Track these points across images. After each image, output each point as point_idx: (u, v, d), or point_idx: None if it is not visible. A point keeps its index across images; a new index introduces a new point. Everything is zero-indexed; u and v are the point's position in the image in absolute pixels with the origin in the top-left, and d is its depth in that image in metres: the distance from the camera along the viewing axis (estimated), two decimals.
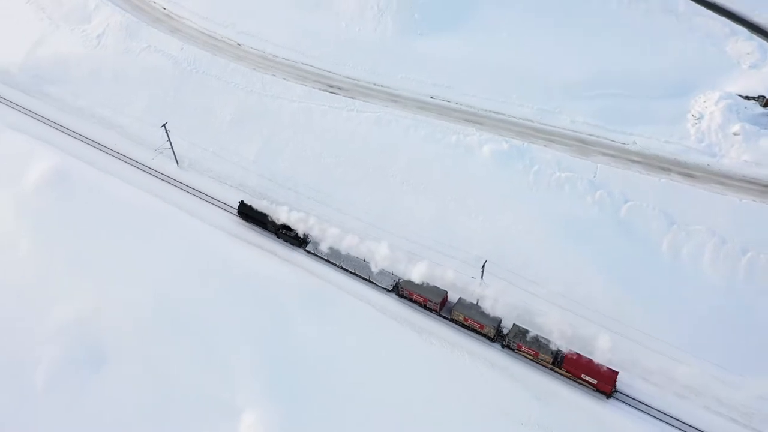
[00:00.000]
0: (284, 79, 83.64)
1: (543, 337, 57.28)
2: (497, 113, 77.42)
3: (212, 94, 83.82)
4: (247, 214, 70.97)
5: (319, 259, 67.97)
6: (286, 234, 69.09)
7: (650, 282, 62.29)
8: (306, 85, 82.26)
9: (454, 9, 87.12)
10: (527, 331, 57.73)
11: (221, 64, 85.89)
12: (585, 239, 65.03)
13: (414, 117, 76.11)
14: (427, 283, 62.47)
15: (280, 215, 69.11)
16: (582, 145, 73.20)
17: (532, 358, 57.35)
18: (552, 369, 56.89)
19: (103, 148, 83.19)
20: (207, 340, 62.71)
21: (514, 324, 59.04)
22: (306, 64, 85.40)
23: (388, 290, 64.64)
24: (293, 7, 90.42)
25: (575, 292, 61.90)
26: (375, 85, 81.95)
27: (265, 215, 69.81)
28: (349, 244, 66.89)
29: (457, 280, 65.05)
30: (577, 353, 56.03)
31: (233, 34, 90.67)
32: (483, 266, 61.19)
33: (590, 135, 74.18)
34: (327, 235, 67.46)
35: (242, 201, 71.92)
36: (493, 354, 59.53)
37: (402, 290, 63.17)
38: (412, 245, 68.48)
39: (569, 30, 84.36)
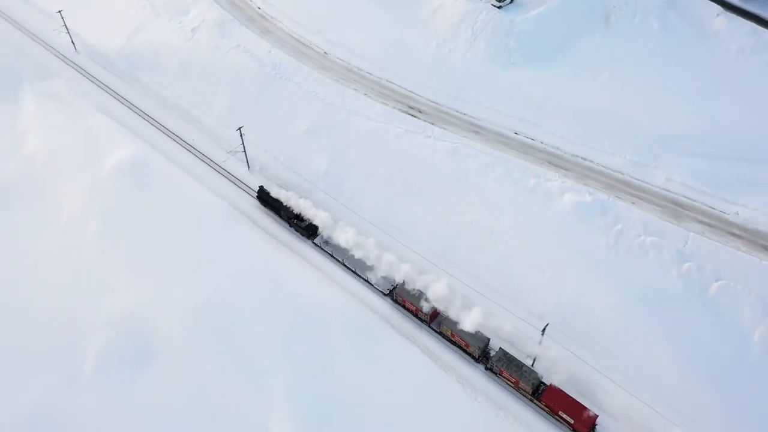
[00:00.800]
0: (365, 95, 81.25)
1: (528, 367, 56.03)
2: (584, 159, 71.58)
3: (292, 102, 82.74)
4: (264, 199, 72.90)
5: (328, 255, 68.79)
6: (297, 224, 70.14)
7: (734, 376, 55.14)
8: (386, 104, 79.52)
9: (553, 40, 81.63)
10: (513, 359, 56.50)
11: (305, 72, 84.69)
12: (664, 316, 58.55)
13: (493, 153, 71.65)
14: (419, 291, 61.66)
15: (348, 234, 66.94)
16: (675, 207, 66.21)
17: (512, 385, 56.21)
18: (531, 400, 55.53)
19: (180, 141, 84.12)
20: (247, 353, 61.52)
21: (500, 348, 57.85)
22: (390, 82, 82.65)
23: (384, 294, 64.53)
24: (387, 20, 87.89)
25: (645, 374, 55.74)
26: (457, 112, 78.04)
27: (280, 202, 71.53)
28: (404, 275, 63.73)
29: (513, 336, 60.63)
30: (560, 388, 53.86)
31: (322, 41, 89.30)
32: (544, 329, 56.26)
33: (686, 198, 66.98)
34: (383, 262, 64.57)
35: (261, 186, 73.68)
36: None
37: (396, 296, 62.83)
38: (470, 288, 64.35)
39: (678, 77, 76.88)
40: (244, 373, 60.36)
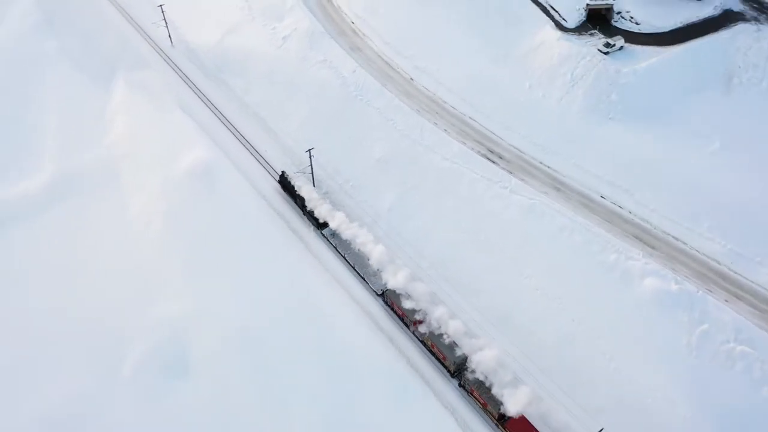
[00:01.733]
0: (445, 130, 76.83)
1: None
2: (676, 239, 63.72)
3: (368, 127, 79.73)
4: (284, 185, 75.22)
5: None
6: (309, 213, 72.00)
7: None
8: (465, 144, 74.74)
9: (661, 98, 73.55)
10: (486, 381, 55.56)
11: (387, 97, 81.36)
12: None
13: (573, 216, 65.23)
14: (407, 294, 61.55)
15: (399, 277, 63.20)
16: None
17: (481, 406, 56.02)
18: (497, 425, 54.88)
19: (253, 151, 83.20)
20: (278, 391, 59.31)
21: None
22: (472, 119, 77.71)
23: (378, 294, 64.87)
24: (481, 52, 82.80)
25: None
26: (541, 163, 71.98)
27: (294, 189, 73.50)
28: (453, 331, 59.18)
29: (563, 427, 54.43)
30: (529, 421, 52.17)
31: (409, 66, 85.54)
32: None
33: None
34: (431, 317, 60.23)
35: (284, 171, 75.63)
36: None
37: (387, 299, 63.41)
38: (522, 364, 58.73)
39: None
40: (272, 412, 58.16)
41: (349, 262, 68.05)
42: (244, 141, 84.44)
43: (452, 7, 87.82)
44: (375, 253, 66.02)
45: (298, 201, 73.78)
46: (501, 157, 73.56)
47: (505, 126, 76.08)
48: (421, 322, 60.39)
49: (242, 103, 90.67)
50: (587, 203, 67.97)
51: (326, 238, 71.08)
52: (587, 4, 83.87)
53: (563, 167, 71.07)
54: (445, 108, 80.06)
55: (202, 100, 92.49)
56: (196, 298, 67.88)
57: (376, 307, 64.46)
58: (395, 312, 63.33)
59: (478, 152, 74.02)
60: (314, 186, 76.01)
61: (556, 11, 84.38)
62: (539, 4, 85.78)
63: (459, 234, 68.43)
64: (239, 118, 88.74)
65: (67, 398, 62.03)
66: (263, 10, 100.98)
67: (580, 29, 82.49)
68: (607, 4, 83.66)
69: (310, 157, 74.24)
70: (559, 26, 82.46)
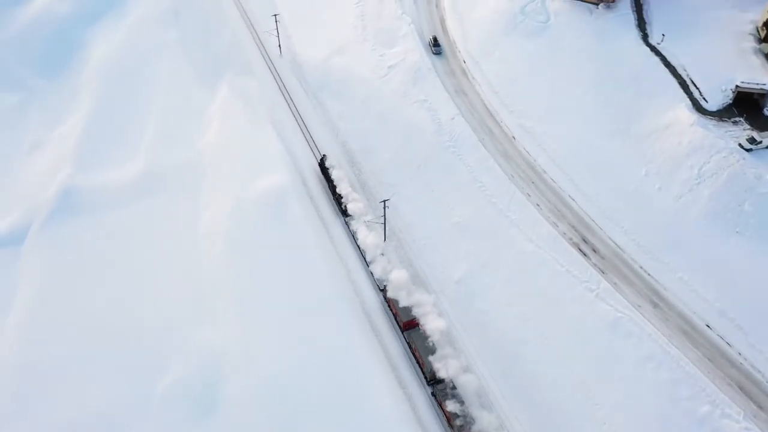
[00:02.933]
0: (537, 205, 68.30)
1: (469, 416, 52.90)
2: None
3: (453, 184, 72.97)
4: (323, 167, 77.23)
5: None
6: (338, 199, 72.91)
7: None
8: (556, 226, 65.90)
9: None
10: (458, 399, 53.97)
11: (481, 155, 74.06)
12: None
13: (666, 346, 54.97)
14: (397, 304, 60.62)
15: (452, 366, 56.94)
16: None
17: (447, 420, 54.24)
18: None
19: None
20: None
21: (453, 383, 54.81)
22: (571, 198, 68.44)
23: (380, 289, 64.67)
24: (599, 122, 73.03)
25: None
26: (641, 268, 61.70)
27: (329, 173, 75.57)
28: None
29: None
30: None
31: (514, 123, 77.29)
32: None
33: None
34: (475, 425, 52.73)
35: (324, 156, 77.86)
36: None
37: (387, 300, 62.93)
38: None
39: None
40: None
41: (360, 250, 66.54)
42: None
43: (581, 66, 78.14)
44: (434, 326, 59.51)
45: (330, 185, 74.98)
46: (595, 251, 63.90)
47: (606, 214, 66.14)
48: (409, 325, 60.09)
49: (333, 128, 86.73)
50: (688, 331, 57.08)
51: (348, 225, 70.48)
52: (737, 85, 71.21)
53: (667, 279, 60.30)
54: (543, 179, 71.22)
55: (296, 119, 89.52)
56: (241, 331, 65.27)
57: (422, 401, 57.54)
58: (391, 310, 62.32)
59: (570, 239, 64.82)
60: (385, 240, 70.45)
61: (697, 87, 72.57)
62: (678, 76, 74.11)
63: (527, 331, 60.21)
64: (327, 144, 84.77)
65: (99, 407, 61.56)
66: (376, 32, 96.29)
67: (722, 114, 70.28)
68: (763, 88, 70.58)
69: (384, 207, 68.60)
70: (697, 106, 70.68)
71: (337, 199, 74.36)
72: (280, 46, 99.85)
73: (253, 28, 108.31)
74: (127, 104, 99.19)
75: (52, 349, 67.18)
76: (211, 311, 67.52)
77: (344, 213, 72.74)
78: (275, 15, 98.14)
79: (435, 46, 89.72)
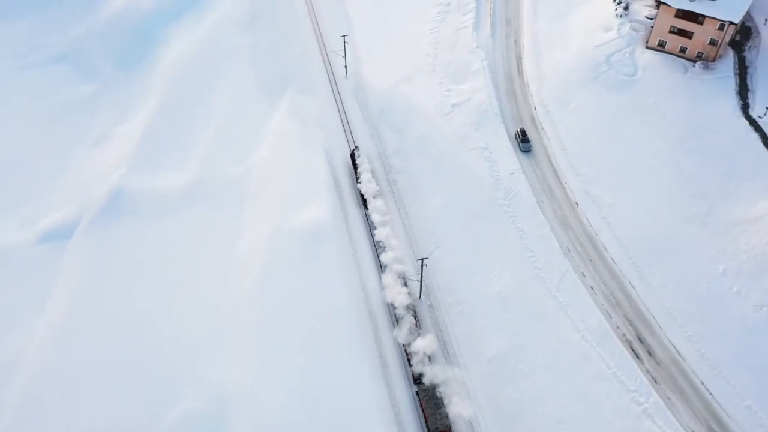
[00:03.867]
0: (591, 288, 61.21)
1: (444, 412, 51.97)
2: None
3: (501, 248, 66.80)
4: (353, 158, 77.46)
5: None
6: (361, 188, 73.53)
7: None
8: (609, 317, 58.78)
9: None
10: (438, 399, 53.00)
11: (537, 221, 67.38)
12: None
13: None
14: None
15: None
16: None
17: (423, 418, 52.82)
18: None
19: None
20: None
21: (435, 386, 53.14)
22: (632, 286, 60.75)
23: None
24: (677, 201, 64.62)
25: None
26: (702, 384, 53.30)
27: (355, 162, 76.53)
28: None
29: None
30: None
31: (579, 187, 69.72)
32: None
33: None
34: None
35: (357, 147, 78.93)
36: None
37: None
38: None
39: None
40: None
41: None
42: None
43: (665, 131, 69.50)
44: (458, 413, 53.79)
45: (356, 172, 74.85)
46: (650, 354, 55.82)
47: (670, 312, 57.78)
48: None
49: (386, 164, 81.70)
50: None
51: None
52: None
53: (731, 405, 51.66)
54: (603, 258, 63.33)
55: (350, 147, 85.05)
56: (256, 373, 62.07)
57: None
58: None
59: (623, 335, 56.99)
60: (420, 297, 65.00)
61: None
62: None
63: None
64: (378, 178, 79.70)
65: (110, 422, 60.42)
66: (447, 63, 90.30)
67: None
68: None
69: (422, 266, 63.00)
70: None
71: (377, 243, 69.52)
72: (346, 66, 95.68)
73: (323, 43, 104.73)
74: (190, 108, 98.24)
75: (75, 355, 66.92)
76: (229, 346, 64.84)
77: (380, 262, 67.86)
78: (344, 36, 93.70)
79: (523, 141, 75.11)
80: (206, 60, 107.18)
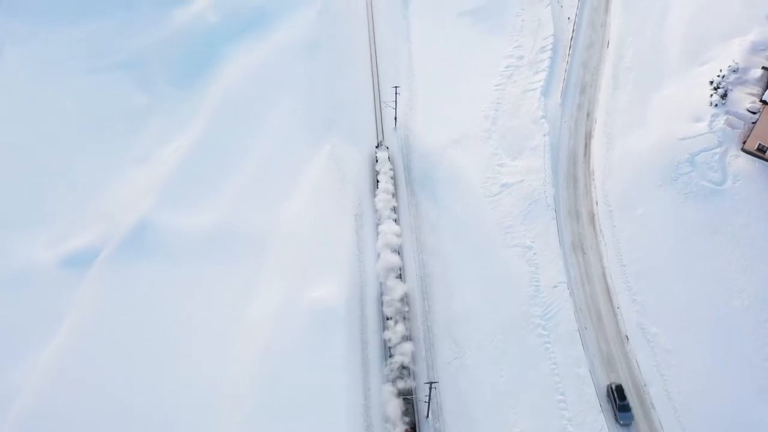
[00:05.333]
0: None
1: None
2: None
3: (529, 382, 56.14)
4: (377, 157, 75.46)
5: None
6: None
7: None
8: None
9: None
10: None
11: (575, 355, 56.17)
12: None
13: None
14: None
15: None
16: None
17: None
18: None
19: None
20: None
21: None
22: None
23: None
24: (756, 361, 50.93)
25: None
26: None
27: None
28: None
29: None
30: None
31: (633, 318, 57.90)
32: None
33: None
34: None
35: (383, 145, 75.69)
36: None
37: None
38: None
39: None
40: None
41: None
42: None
43: (754, 264, 56.28)
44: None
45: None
46: None
47: None
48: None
49: (419, 241, 72.07)
50: None
51: None
52: None
53: None
54: (649, 418, 51.24)
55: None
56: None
57: None
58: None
59: None
60: (428, 416, 55.56)
61: None
62: None
63: None
64: (405, 257, 70.30)
65: None
66: (506, 131, 79.29)
67: None
68: None
69: (430, 389, 53.37)
70: None
71: (386, 344, 60.59)
72: (396, 118, 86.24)
73: (378, 86, 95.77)
74: (234, 138, 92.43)
75: (63, 401, 62.12)
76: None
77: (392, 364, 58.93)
78: (395, 87, 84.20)
79: (622, 408, 51.82)
80: (259, 87, 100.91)
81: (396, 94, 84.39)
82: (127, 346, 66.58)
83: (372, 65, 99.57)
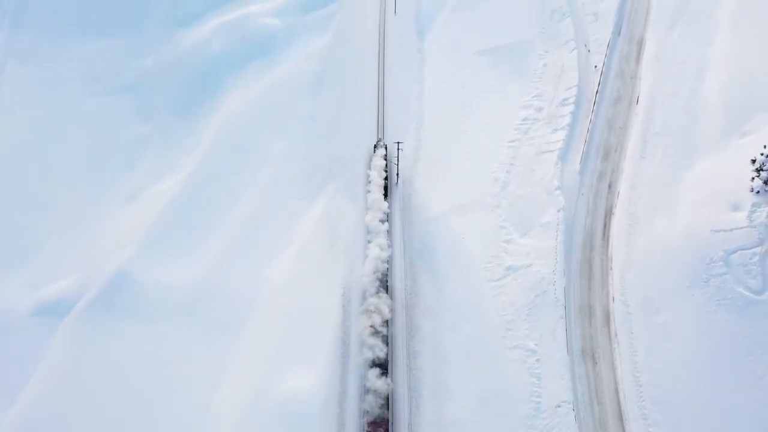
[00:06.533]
0: None
1: None
2: None
3: None
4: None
5: None
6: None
7: None
8: None
9: None
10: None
11: None
12: None
13: None
14: None
15: None
16: None
17: None
18: None
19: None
20: None
21: None
22: None
23: None
24: None
25: None
26: None
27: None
28: None
29: None
30: None
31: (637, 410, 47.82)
32: None
33: None
34: None
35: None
36: None
37: None
38: None
39: None
40: None
41: None
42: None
43: None
44: None
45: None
46: None
47: None
48: None
49: (411, 324, 63.48)
50: None
51: None
52: None
53: None
54: None
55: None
56: None
57: None
58: None
59: None
60: None
61: None
62: None
63: None
64: (395, 345, 61.97)
65: None
66: (516, 199, 70.25)
67: None
68: None
69: None
70: None
71: None
72: (398, 174, 77.58)
73: (384, 134, 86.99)
74: (227, 181, 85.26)
75: None
76: None
77: None
78: (398, 143, 75.58)
79: None
80: (258, 125, 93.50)
81: (398, 150, 75.63)
82: (84, 420, 59.64)
83: (379, 109, 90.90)
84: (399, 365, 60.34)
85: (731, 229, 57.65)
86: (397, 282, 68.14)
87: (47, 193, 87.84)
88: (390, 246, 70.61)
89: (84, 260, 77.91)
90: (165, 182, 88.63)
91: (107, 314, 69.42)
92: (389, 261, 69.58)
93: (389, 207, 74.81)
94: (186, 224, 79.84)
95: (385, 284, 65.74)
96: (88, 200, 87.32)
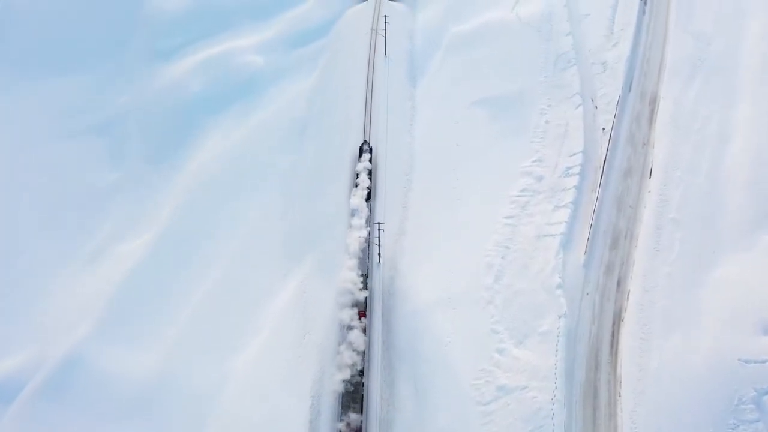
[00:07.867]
0: None
1: None
2: None
3: None
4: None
5: None
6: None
7: None
8: None
9: None
10: None
11: None
12: None
13: None
14: None
15: None
16: None
17: None
18: None
19: None
20: None
21: None
22: None
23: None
24: None
25: None
26: None
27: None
28: None
29: None
30: None
31: None
32: None
33: None
34: None
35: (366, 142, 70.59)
36: None
37: None
38: None
39: None
40: None
41: None
42: None
43: None
44: None
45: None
46: None
47: None
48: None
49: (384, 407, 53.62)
50: None
51: None
52: None
53: None
54: None
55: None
56: None
57: None
58: None
59: None
60: None
61: None
62: None
63: None
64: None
65: None
66: (512, 295, 59.99)
67: None
68: None
69: None
70: None
71: None
72: (380, 254, 67.15)
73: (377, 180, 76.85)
74: (193, 248, 76.16)
75: None
76: None
77: None
78: (379, 223, 65.16)
79: None
80: (234, 180, 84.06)
81: (379, 230, 65.13)
82: None
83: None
84: None
85: (764, 361, 47.09)
86: (373, 388, 57.83)
87: (4, 253, 78.33)
88: (367, 341, 60.51)
89: (36, 333, 69.27)
90: (130, 243, 79.04)
91: (54, 402, 61.23)
92: (365, 359, 59.50)
93: (369, 294, 64.62)
94: (147, 299, 70.55)
95: (360, 392, 55.78)
96: (47, 258, 78.13)
